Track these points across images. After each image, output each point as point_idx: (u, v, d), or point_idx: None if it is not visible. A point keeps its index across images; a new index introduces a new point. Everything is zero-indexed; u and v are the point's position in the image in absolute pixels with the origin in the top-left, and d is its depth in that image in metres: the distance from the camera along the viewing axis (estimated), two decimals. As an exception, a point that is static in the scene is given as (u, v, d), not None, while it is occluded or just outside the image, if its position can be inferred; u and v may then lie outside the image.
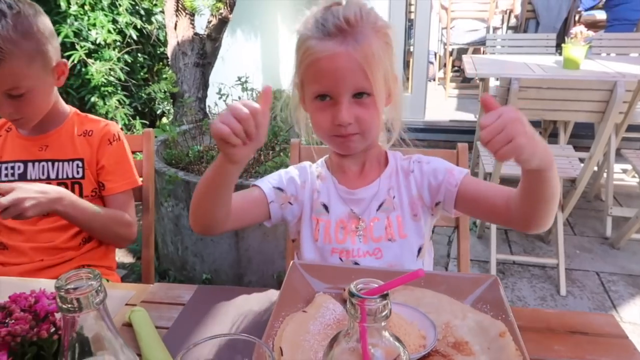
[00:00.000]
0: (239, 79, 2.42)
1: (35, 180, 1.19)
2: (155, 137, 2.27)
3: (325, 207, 1.00)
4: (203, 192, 0.87)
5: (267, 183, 1.00)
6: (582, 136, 3.01)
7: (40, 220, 1.20)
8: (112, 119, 3.11)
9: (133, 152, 1.35)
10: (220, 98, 2.44)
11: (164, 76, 3.38)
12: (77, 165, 1.23)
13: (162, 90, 3.36)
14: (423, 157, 1.03)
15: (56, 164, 1.22)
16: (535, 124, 3.22)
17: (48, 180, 1.20)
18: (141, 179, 1.39)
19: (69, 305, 0.43)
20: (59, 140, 1.22)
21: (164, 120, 3.57)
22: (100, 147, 1.24)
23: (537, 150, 0.69)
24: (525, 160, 0.69)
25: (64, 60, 1.16)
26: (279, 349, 0.69)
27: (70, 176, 1.22)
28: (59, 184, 1.19)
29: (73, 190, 1.21)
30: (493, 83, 3.18)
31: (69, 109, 1.27)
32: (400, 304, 0.78)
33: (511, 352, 0.69)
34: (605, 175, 2.58)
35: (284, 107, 1.03)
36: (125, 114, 3.14)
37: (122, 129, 3.08)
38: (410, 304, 0.79)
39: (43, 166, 1.21)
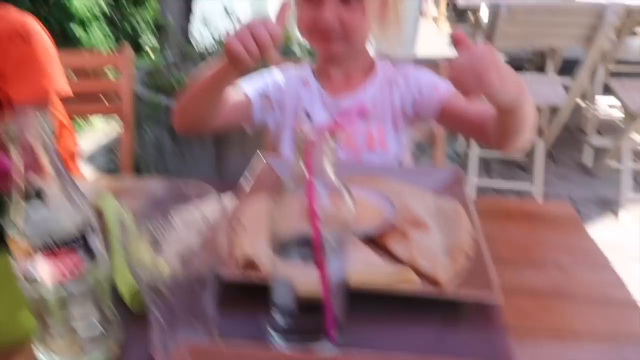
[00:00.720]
0: (225, 8, 2.36)
1: None
2: (138, 68, 2.23)
3: (308, 115, 1.00)
4: (197, 93, 0.86)
5: (252, 87, 0.98)
6: (570, 71, 3.00)
7: None
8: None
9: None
10: (205, 27, 2.39)
11: (148, 8, 3.29)
12: None
13: (146, 21, 3.27)
14: (411, 69, 1.01)
15: None
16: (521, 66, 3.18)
17: None
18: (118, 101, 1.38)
19: (13, 137, 0.44)
20: None
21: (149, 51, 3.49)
22: (1, 48, 1.01)
23: (508, 89, 0.66)
24: (495, 99, 0.67)
25: None
26: (242, 224, 0.71)
27: None
28: None
29: None
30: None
31: None
32: (361, 188, 0.80)
33: (466, 228, 0.72)
34: (588, 106, 2.59)
35: None
36: (109, 47, 3.07)
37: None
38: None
39: None
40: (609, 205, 2.24)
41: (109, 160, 2.79)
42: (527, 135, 0.81)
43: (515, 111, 0.73)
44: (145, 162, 2.27)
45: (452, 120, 0.95)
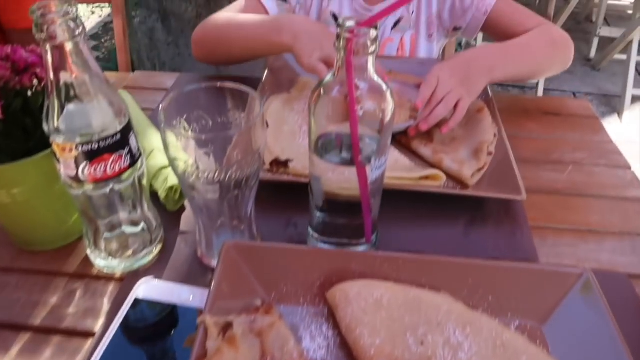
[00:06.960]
0: None
1: None
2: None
3: (335, 18, 0.94)
4: (238, 42, 0.81)
5: None
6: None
7: None
8: None
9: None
10: None
11: None
12: None
13: None
14: None
15: None
16: None
17: None
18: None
19: (46, 34, 0.41)
20: None
21: None
22: None
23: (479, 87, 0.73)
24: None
25: None
26: (264, 122, 0.70)
27: None
28: None
29: None
30: None
31: None
32: (400, 83, 0.79)
33: (487, 124, 0.72)
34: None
35: None
36: None
37: None
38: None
39: None
40: (611, 101, 2.23)
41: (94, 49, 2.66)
42: (556, 58, 0.85)
43: (512, 79, 0.79)
44: (138, 52, 2.16)
45: (497, 33, 0.88)
